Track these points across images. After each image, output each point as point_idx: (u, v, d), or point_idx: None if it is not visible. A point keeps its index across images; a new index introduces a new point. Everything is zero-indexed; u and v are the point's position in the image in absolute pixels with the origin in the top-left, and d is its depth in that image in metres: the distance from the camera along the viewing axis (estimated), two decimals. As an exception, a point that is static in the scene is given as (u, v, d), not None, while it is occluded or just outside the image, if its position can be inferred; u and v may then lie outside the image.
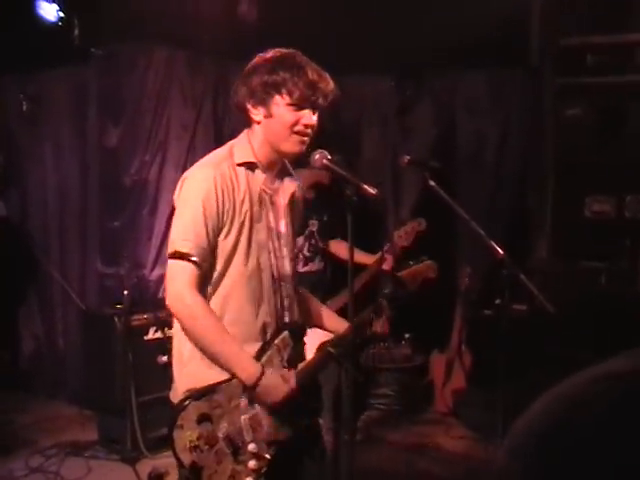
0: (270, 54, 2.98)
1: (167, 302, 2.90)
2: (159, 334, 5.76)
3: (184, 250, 2.83)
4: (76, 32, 6.22)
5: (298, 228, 3.32)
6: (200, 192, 2.86)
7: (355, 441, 2.98)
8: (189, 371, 2.96)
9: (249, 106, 2.97)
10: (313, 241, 5.10)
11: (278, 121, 2.92)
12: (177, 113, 6.67)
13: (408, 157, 4.39)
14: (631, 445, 0.80)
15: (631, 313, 5.59)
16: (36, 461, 5.56)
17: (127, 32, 6.18)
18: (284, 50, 2.98)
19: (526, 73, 6.92)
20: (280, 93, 2.89)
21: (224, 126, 6.95)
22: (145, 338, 5.76)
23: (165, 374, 5.58)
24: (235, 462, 2.88)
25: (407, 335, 7.00)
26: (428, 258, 3.53)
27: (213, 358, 2.88)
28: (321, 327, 3.38)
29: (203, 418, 2.86)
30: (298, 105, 2.89)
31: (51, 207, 7.19)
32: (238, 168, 2.95)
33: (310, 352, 3.17)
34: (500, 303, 4.60)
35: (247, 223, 2.93)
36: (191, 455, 2.83)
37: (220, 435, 2.87)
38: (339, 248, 5.05)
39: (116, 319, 5.68)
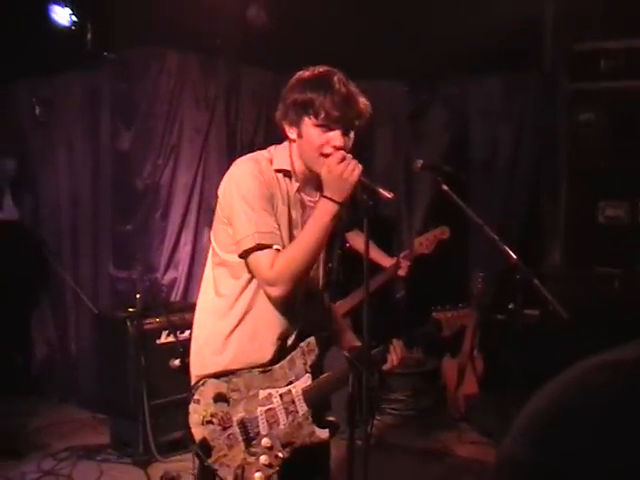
0: (307, 72, 2.93)
1: (268, 293, 2.87)
2: (171, 338, 5.75)
3: (265, 242, 2.81)
4: (89, 36, 6.23)
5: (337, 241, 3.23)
6: (250, 183, 2.85)
7: (368, 446, 2.96)
8: (200, 358, 3.02)
9: (285, 125, 2.94)
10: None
11: (307, 142, 2.87)
12: (190, 116, 6.68)
13: (421, 162, 4.39)
14: (636, 434, 0.80)
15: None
16: (48, 464, 5.57)
17: (139, 36, 6.20)
18: (322, 68, 2.92)
19: (539, 78, 6.91)
20: (308, 114, 2.83)
21: (237, 129, 6.95)
22: (157, 342, 5.76)
23: (177, 378, 5.62)
24: (247, 452, 2.89)
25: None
26: (466, 306, 3.40)
27: (317, 246, 2.84)
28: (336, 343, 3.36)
29: (220, 398, 2.89)
30: (326, 126, 2.82)
31: (64, 211, 7.20)
32: (277, 173, 2.94)
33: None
34: (513, 308, 4.60)
35: (285, 223, 2.93)
36: (203, 430, 2.87)
37: (234, 419, 2.89)
38: (356, 240, 5.02)
39: (128, 323, 5.67)
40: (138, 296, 5.75)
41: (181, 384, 5.60)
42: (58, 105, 7.11)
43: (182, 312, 5.87)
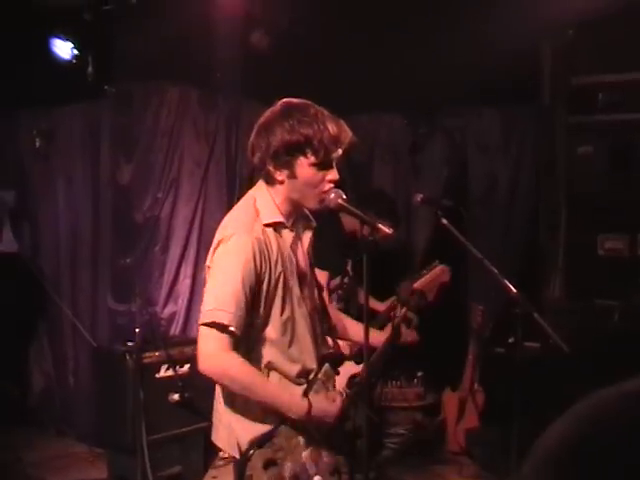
0: (283, 107, 2.86)
1: (200, 366, 2.83)
2: (170, 372, 5.72)
3: (224, 322, 2.75)
4: (90, 70, 6.25)
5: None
6: (239, 262, 2.78)
7: (368, 480, 2.98)
8: (247, 423, 2.92)
9: (270, 168, 2.85)
10: (347, 279, 5.08)
11: (303, 182, 2.83)
12: (190, 150, 6.69)
13: (421, 196, 4.40)
14: None
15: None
16: (45, 499, 5.53)
17: (140, 70, 6.23)
18: (296, 101, 2.86)
19: (538, 111, 6.93)
20: (304, 154, 2.78)
21: (237, 163, 6.97)
22: (156, 376, 5.72)
23: (176, 412, 5.60)
24: None
25: (419, 373, 6.95)
26: (439, 262, 3.63)
27: (260, 405, 2.86)
28: (359, 340, 3.36)
29: (269, 463, 2.86)
30: (323, 163, 2.79)
31: (63, 243, 7.19)
32: (267, 229, 2.87)
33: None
34: (513, 341, 4.58)
35: (281, 282, 2.88)
36: None
37: (287, 475, 2.87)
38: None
39: (127, 356, 5.64)
40: (137, 330, 5.72)
41: (180, 419, 5.61)
42: (58, 137, 7.12)
43: (181, 346, 5.85)
